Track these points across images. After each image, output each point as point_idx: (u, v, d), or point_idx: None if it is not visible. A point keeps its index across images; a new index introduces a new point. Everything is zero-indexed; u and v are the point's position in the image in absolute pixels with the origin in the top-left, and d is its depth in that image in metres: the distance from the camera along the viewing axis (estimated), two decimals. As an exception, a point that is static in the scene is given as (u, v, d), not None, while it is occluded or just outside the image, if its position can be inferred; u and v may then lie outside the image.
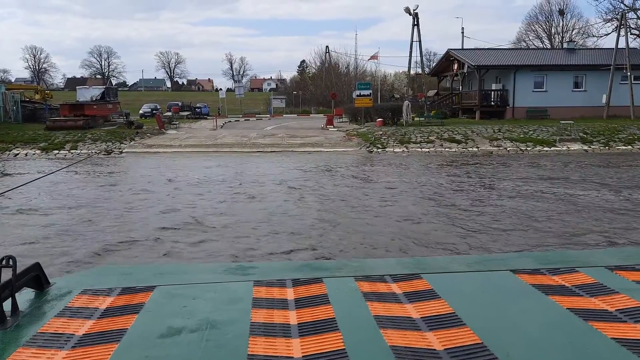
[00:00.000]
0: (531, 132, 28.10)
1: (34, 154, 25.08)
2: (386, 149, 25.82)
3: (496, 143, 26.42)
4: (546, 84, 34.70)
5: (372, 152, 25.56)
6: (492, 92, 35.40)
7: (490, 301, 1.52)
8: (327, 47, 74.95)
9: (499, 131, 28.13)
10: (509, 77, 34.86)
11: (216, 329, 1.33)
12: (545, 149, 25.71)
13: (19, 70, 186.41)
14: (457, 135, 27.51)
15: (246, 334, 1.28)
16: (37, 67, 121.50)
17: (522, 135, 27.40)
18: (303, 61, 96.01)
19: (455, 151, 25.51)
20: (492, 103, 35.22)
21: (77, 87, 36.72)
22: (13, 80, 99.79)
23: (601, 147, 25.83)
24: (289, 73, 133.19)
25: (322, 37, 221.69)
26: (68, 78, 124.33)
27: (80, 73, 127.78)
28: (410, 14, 32.12)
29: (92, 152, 24.76)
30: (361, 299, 1.50)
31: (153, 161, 22.31)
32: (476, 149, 25.72)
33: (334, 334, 1.26)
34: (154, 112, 43.33)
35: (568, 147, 25.82)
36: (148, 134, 30.45)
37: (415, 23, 32.49)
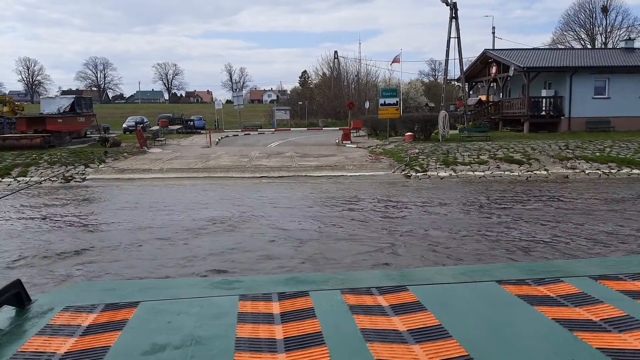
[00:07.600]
0: (607, 149, 22.24)
1: (-31, 183, 19.15)
2: (427, 172, 19.97)
3: (569, 164, 20.53)
4: (608, 89, 28.79)
5: (409, 176, 19.69)
6: (544, 100, 29.40)
7: (476, 312, 1.47)
8: (335, 52, 68.99)
9: (567, 148, 22.24)
10: (563, 82, 28.93)
11: (201, 344, 1.27)
12: (635, 171, 19.83)
13: (13, 83, 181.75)
14: (514, 154, 21.62)
15: (231, 349, 1.23)
16: (30, 80, 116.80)
17: (597, 154, 21.51)
18: (305, 72, 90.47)
19: (519, 175, 19.62)
20: (543, 113, 29.24)
21: (41, 98, 30.87)
22: (7, 93, 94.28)
23: None
24: (290, 85, 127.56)
25: (321, 48, 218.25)
26: (63, 90, 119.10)
27: (75, 85, 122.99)
28: (447, 4, 26.46)
29: (42, 180, 18.81)
30: (347, 312, 1.45)
31: (120, 197, 16.41)
32: (545, 172, 19.83)
33: (320, 348, 1.22)
34: (140, 126, 37.28)
35: (664, 169, 19.93)
36: (125, 154, 24.57)
37: (454, 15, 26.75)
